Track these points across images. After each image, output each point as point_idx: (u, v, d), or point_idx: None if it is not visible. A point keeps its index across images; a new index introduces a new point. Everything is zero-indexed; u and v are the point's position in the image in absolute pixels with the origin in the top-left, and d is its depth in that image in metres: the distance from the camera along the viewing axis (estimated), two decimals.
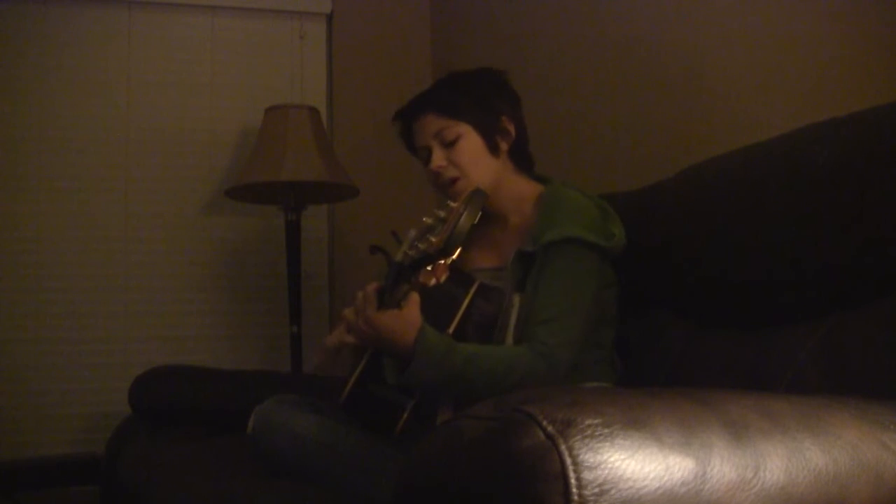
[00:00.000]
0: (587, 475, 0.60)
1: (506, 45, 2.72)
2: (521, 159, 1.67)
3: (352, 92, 3.14)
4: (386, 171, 2.99)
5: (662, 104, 1.96)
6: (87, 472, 2.52)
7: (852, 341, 1.18)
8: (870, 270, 1.17)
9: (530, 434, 0.62)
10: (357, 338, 1.47)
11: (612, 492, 0.60)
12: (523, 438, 0.62)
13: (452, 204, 1.39)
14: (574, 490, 0.59)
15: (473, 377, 1.39)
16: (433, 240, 1.35)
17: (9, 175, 2.84)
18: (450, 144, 1.60)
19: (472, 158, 1.59)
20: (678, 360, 1.52)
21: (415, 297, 1.42)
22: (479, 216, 1.37)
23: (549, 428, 0.62)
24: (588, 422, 0.63)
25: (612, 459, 0.61)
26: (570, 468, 0.60)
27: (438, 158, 1.60)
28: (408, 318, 1.40)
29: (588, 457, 0.60)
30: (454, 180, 1.59)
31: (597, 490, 0.59)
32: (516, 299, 1.49)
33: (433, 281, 1.38)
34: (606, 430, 0.62)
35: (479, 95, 1.63)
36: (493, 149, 1.61)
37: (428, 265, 1.38)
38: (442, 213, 1.39)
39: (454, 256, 1.35)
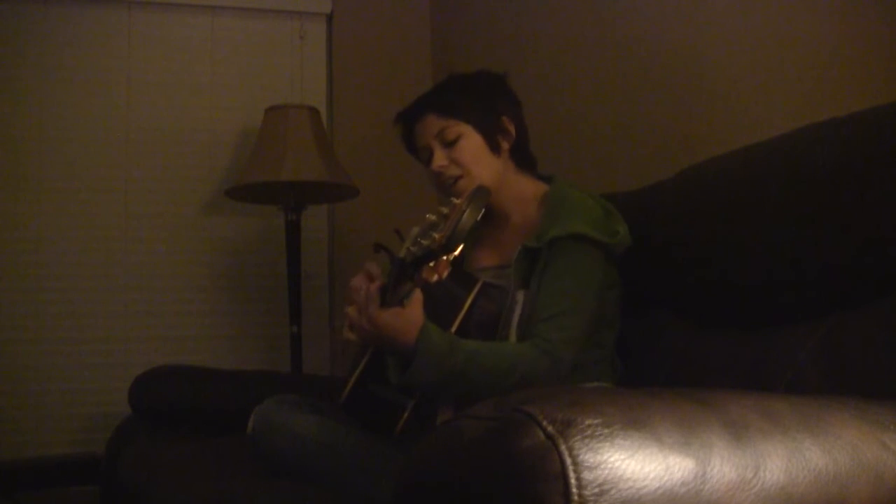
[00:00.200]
0: (587, 475, 0.60)
1: (506, 45, 2.72)
2: (523, 159, 1.67)
3: (352, 92, 3.14)
4: (386, 171, 2.99)
5: (663, 104, 1.96)
6: (87, 472, 2.52)
7: (852, 341, 1.18)
8: (870, 270, 1.17)
9: (530, 434, 0.62)
10: (359, 336, 1.47)
11: (612, 492, 0.60)
12: (523, 438, 0.62)
13: (456, 201, 1.37)
14: (574, 490, 0.59)
15: (476, 375, 1.39)
16: (436, 236, 1.33)
17: (9, 175, 2.84)
18: (451, 144, 1.60)
19: (474, 157, 1.60)
20: (678, 360, 1.52)
21: (418, 296, 1.41)
22: (482, 213, 1.35)
23: (549, 428, 0.62)
24: (588, 422, 0.63)
25: (612, 459, 0.61)
26: (570, 468, 0.60)
27: (440, 158, 1.61)
28: (410, 316, 1.40)
29: (588, 457, 0.60)
30: (457, 179, 1.60)
31: (597, 490, 0.59)
32: (520, 296, 1.49)
33: (435, 277, 1.36)
34: (606, 431, 0.62)
35: (479, 96, 1.63)
36: (495, 148, 1.62)
37: (430, 261, 1.36)
38: (445, 210, 1.38)
39: (457, 253, 1.33)
